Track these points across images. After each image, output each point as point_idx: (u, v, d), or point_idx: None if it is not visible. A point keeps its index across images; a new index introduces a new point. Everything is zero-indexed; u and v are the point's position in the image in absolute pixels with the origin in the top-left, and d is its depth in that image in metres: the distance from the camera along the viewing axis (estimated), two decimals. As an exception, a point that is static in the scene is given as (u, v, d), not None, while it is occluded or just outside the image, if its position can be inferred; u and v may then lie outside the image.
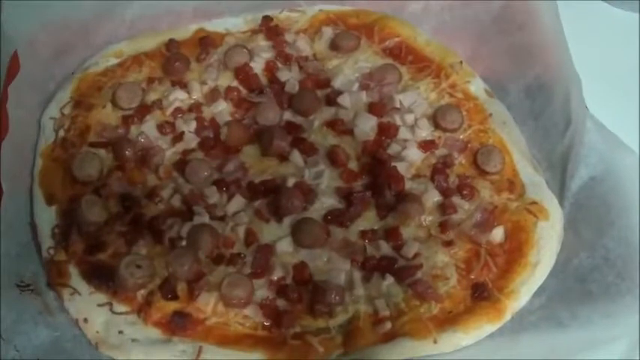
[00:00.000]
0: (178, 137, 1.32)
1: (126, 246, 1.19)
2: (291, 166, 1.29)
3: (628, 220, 1.18)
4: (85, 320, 1.13)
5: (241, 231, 1.21)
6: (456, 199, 1.25)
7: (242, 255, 1.19)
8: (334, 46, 1.43)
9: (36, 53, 1.36)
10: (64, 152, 1.30)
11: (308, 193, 1.25)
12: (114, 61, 1.41)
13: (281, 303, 1.15)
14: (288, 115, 1.35)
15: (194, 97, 1.37)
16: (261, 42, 1.43)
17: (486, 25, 1.45)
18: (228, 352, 1.11)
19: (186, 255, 1.17)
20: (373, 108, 1.35)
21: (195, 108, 1.35)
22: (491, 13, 1.45)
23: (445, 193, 1.26)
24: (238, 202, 1.25)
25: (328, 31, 1.44)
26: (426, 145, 1.31)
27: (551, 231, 1.21)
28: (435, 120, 1.33)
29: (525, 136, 1.34)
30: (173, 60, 1.39)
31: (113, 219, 1.22)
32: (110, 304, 1.14)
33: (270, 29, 1.45)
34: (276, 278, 1.17)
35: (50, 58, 1.39)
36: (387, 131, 1.32)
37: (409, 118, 1.33)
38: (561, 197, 1.26)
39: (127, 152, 1.29)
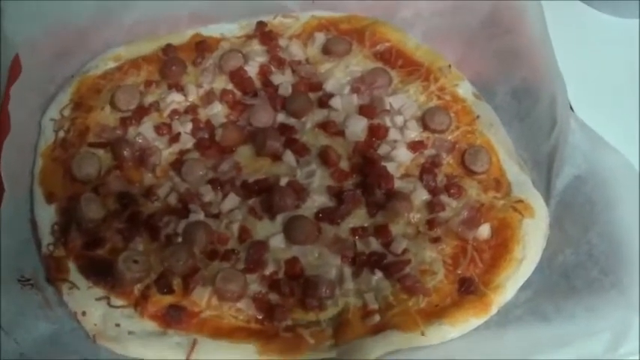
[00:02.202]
0: (175, 138, 1.34)
1: (123, 242, 1.21)
2: (284, 166, 1.30)
3: (611, 217, 1.19)
4: (84, 313, 1.14)
5: (235, 228, 1.23)
6: (443, 198, 1.26)
7: (236, 251, 1.21)
8: (326, 50, 1.44)
9: (37, 56, 1.36)
10: (63, 152, 1.31)
11: (300, 192, 1.26)
12: (113, 64, 1.42)
13: (273, 297, 1.17)
14: (281, 117, 1.36)
15: (190, 100, 1.38)
16: (256, 47, 1.45)
17: (475, 30, 1.45)
18: (222, 344, 1.12)
19: (181, 251, 1.19)
20: (364, 110, 1.36)
21: (191, 110, 1.37)
22: (480, 18, 1.45)
23: (433, 191, 1.27)
24: (232, 200, 1.26)
25: (320, 37, 1.46)
26: (415, 146, 1.32)
27: (537, 228, 1.22)
28: (424, 121, 1.34)
29: (512, 136, 1.34)
30: (170, 64, 1.41)
31: (111, 216, 1.23)
32: (108, 298, 1.16)
33: (264, 34, 1.46)
34: (268, 273, 1.19)
35: (50, 61, 1.40)
36: (377, 132, 1.33)
37: (399, 119, 1.35)
38: (547, 195, 1.26)
39: (125, 152, 1.30)
